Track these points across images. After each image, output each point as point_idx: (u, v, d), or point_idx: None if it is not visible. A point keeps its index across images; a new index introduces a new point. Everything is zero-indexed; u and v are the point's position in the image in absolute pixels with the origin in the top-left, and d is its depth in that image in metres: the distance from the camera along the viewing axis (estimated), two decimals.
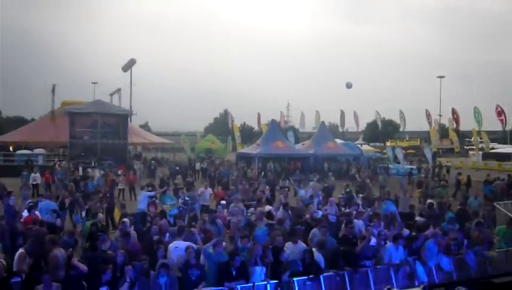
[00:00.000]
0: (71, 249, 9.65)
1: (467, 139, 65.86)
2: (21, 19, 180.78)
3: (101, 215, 13.41)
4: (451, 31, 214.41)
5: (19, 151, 39.25)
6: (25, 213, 12.65)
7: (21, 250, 9.07)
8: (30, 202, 14.41)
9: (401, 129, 67.15)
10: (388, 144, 64.32)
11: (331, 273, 9.26)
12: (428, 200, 16.46)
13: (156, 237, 10.16)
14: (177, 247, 9.21)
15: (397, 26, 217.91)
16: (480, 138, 53.65)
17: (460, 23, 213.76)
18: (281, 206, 13.52)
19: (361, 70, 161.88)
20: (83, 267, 8.12)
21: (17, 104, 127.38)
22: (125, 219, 11.28)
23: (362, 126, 76.20)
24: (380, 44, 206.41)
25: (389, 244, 10.19)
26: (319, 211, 13.63)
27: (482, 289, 4.85)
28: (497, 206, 16.28)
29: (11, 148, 42.60)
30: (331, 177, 24.04)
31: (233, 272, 8.42)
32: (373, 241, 10.21)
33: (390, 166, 38.74)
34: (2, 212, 12.69)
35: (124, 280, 7.94)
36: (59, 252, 8.96)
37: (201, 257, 9.01)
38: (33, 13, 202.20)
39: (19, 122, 67.66)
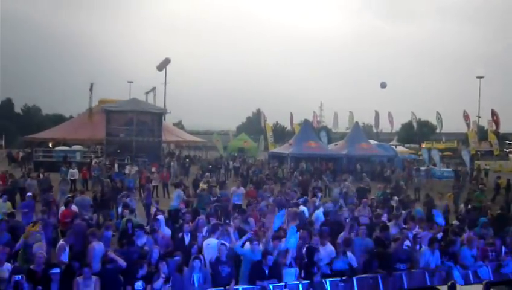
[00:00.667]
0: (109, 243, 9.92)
1: (507, 141, 63.83)
2: (61, 19, 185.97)
3: (136, 212, 13.72)
4: (491, 29, 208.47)
5: (57, 148, 40.30)
6: (62, 207, 13.07)
7: (61, 242, 9.37)
8: (68, 197, 14.91)
9: (437, 131, 65.54)
10: (424, 145, 63.00)
11: (364, 275, 9.17)
12: (462, 205, 16.14)
13: (189, 234, 10.28)
14: (209, 244, 9.32)
15: (434, 24, 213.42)
16: None
17: (501, 21, 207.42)
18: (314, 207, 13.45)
19: (396, 70, 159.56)
20: (121, 261, 8.30)
21: (56, 102, 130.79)
22: (160, 216, 11.46)
23: (397, 127, 75.04)
24: (417, 43, 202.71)
25: (424, 247, 9.99)
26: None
27: None
28: None
29: (50, 145, 43.86)
30: (366, 179, 23.68)
31: (266, 271, 8.44)
32: (407, 244, 10.05)
33: (422, 168, 37.79)
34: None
35: (158, 275, 8.07)
36: (98, 245, 9.21)
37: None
38: (72, 14, 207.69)
39: (57, 119, 69.60)
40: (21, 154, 41.30)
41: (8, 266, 8.07)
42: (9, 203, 13.95)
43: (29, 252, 9.03)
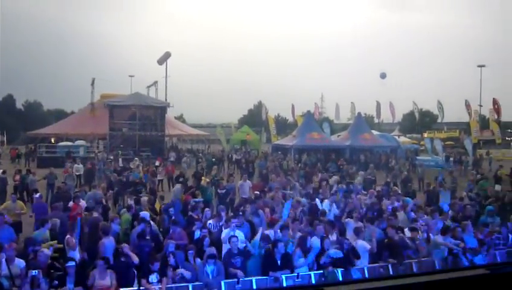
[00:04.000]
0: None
1: (509, 130, 63.80)
2: (61, 15, 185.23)
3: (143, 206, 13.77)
4: (491, 18, 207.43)
5: (60, 143, 40.38)
6: (71, 202, 13.10)
7: (68, 236, 9.42)
8: (76, 191, 14.98)
9: (439, 120, 65.53)
10: (426, 135, 63.01)
11: (375, 264, 9.25)
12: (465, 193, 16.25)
13: (199, 226, 10.37)
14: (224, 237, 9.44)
15: (433, 13, 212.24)
16: None
17: (501, 9, 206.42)
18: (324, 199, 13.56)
19: (397, 60, 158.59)
20: (134, 256, 8.38)
21: (58, 98, 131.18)
22: (171, 209, 11.56)
23: (398, 117, 74.96)
24: (416, 32, 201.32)
25: (434, 237, 10.07)
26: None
27: None
28: None
29: (52, 141, 43.97)
30: (373, 170, 23.69)
31: (278, 262, 8.52)
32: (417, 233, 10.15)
33: (424, 158, 37.94)
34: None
35: (170, 267, 8.15)
36: (108, 240, 9.30)
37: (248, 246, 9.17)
38: (74, 10, 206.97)
39: (59, 115, 69.70)
40: (25, 150, 41.31)
41: (20, 261, 8.12)
42: (20, 203, 13.60)
43: None
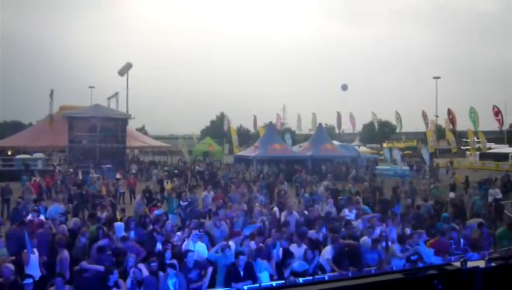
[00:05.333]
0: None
1: (464, 139, 66.21)
2: (18, 23, 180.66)
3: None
4: (445, 31, 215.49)
5: (18, 156, 39.14)
6: (29, 217, 12.80)
7: (24, 251, 9.18)
8: (34, 206, 14.62)
9: (397, 130, 67.35)
10: (385, 145, 64.58)
11: (335, 273, 9.44)
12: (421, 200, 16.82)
13: (161, 240, 10.31)
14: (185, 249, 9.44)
15: (390, 26, 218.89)
16: (476, 138, 53.89)
17: (454, 22, 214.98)
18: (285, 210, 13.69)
19: (356, 72, 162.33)
20: (97, 266, 8.26)
21: (15, 108, 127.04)
22: (132, 222, 11.47)
23: (358, 128, 76.59)
24: (374, 45, 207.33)
25: (392, 245, 10.37)
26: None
27: None
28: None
29: (9, 153, 42.60)
30: (331, 179, 24.17)
31: (241, 273, 8.59)
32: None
33: (383, 167, 38.99)
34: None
35: (131, 281, 8.09)
36: (65, 254, 9.14)
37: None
38: (30, 18, 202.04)
39: (16, 126, 67.60)
40: None
41: None
42: None
43: None
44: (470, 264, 2.68)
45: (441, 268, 2.58)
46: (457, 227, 12.23)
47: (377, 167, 39.27)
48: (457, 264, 2.63)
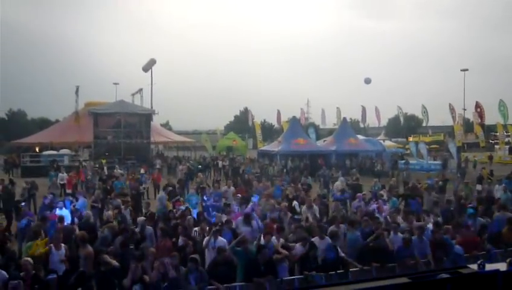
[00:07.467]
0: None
1: (493, 133, 64.60)
2: (47, 23, 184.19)
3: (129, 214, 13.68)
4: (475, 22, 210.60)
5: (45, 152, 39.88)
6: (56, 211, 13.01)
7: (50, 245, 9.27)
8: (61, 200, 14.88)
9: (423, 124, 66.05)
10: (411, 139, 63.53)
11: (358, 268, 9.29)
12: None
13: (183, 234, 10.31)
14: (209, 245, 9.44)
15: (418, 19, 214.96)
16: (506, 132, 52.53)
17: (484, 14, 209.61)
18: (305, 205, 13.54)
19: (382, 65, 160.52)
20: (115, 263, 8.30)
21: (42, 106, 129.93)
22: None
23: (384, 122, 75.59)
24: (401, 38, 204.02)
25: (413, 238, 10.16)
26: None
27: None
28: None
29: (37, 149, 43.46)
30: (356, 174, 23.83)
31: (262, 268, 8.51)
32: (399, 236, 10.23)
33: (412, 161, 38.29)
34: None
35: (155, 275, 8.10)
36: (88, 248, 9.21)
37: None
38: (58, 18, 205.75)
39: (43, 123, 68.94)
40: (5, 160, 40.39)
41: (2, 273, 7.98)
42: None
43: None
44: (488, 267, 2.50)
45: (455, 272, 2.41)
46: (484, 221, 11.90)
47: (402, 161, 38.59)
48: (474, 267, 2.45)
